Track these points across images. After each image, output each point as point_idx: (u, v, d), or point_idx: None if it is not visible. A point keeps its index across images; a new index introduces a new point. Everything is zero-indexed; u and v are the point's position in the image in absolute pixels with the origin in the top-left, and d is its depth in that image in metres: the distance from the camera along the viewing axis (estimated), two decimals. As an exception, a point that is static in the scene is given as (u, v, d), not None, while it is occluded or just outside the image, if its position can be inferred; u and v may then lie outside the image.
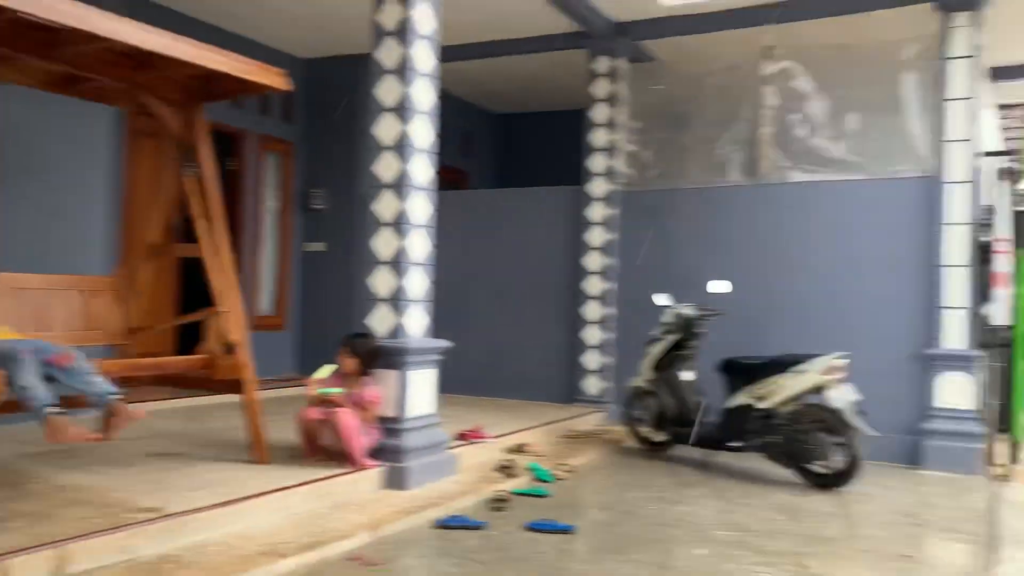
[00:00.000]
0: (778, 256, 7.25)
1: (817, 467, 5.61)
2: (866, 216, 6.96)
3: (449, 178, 9.97)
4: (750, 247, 7.37)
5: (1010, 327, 6.80)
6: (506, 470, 5.54)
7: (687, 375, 6.50)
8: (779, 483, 5.70)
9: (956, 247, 6.52)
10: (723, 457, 6.28)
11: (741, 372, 6.09)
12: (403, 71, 5.10)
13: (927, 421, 6.47)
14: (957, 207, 6.52)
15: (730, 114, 7.71)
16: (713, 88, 7.85)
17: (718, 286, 6.48)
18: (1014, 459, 6.69)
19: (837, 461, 5.52)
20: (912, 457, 6.42)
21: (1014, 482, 6.16)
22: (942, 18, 6.56)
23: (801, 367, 5.69)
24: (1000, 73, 8.27)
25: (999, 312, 6.56)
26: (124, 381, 4.06)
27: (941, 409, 6.45)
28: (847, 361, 5.64)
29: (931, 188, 6.63)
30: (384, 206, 5.17)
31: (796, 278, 7.16)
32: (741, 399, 5.99)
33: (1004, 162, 7.04)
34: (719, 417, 6.17)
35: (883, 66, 6.99)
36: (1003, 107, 9.84)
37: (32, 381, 3.40)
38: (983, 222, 6.70)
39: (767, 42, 7.38)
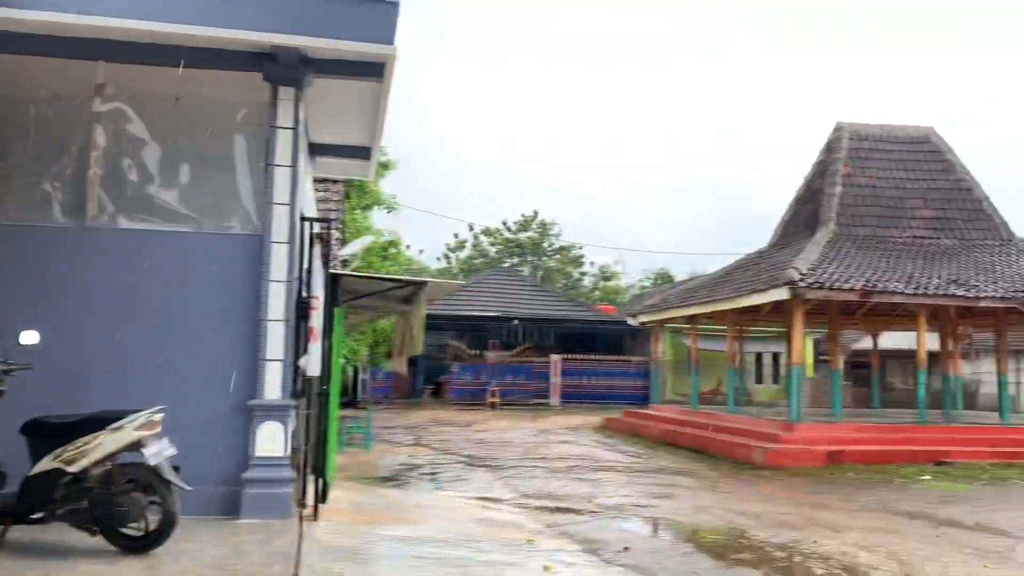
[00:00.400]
0: (104, 305, 6.78)
1: (131, 530, 5.29)
2: (197, 268, 6.97)
3: None
4: (72, 295, 6.74)
5: (322, 377, 7.53)
6: None
7: (-21, 441, 5.53)
8: (87, 553, 5.20)
9: (277, 303, 6.95)
10: (22, 532, 5.47)
11: (50, 434, 5.42)
12: None
13: (246, 471, 6.66)
14: (279, 265, 6.97)
15: (55, 149, 7.02)
16: (37, 117, 7.06)
17: (27, 337, 5.72)
18: (323, 498, 7.36)
19: (152, 521, 5.28)
20: (232, 508, 6.52)
21: (321, 520, 6.74)
22: (271, 90, 7.06)
23: (118, 424, 5.33)
24: (317, 150, 9.28)
25: (313, 363, 7.20)
26: None
27: (260, 458, 6.70)
28: (163, 416, 5.47)
29: (257, 246, 6.98)
30: None
31: (123, 329, 6.76)
32: (48, 464, 5.31)
33: (319, 228, 7.85)
34: (21, 486, 5.38)
35: (218, 124, 7.19)
36: (318, 180, 11.07)
37: None
38: (302, 280, 7.32)
39: (99, 79, 6.95)
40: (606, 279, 60.79)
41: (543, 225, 58.20)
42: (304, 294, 7.28)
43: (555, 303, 36.88)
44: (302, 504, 6.92)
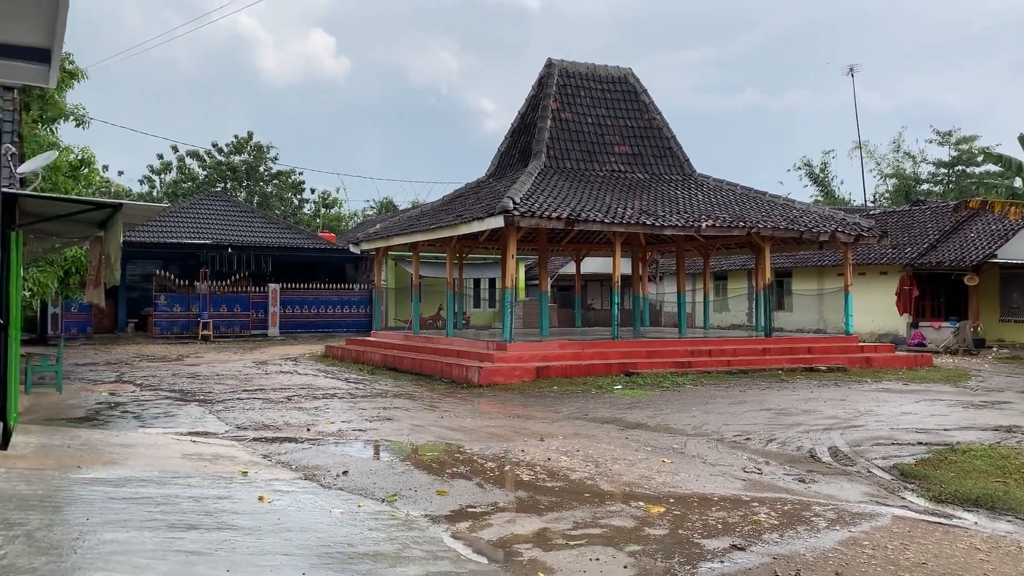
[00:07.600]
0: None
1: None
2: None
3: None
4: None
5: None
6: None
7: None
8: None
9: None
10: None
11: None
12: None
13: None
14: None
15: None
16: None
17: None
18: (3, 445, 6.60)
19: None
20: None
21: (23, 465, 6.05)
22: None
23: None
24: None
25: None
26: None
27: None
28: None
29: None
30: None
31: None
32: None
33: None
34: None
35: None
36: None
37: None
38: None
39: None
40: (328, 207, 59.48)
41: (259, 148, 55.29)
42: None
43: (273, 230, 35.51)
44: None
